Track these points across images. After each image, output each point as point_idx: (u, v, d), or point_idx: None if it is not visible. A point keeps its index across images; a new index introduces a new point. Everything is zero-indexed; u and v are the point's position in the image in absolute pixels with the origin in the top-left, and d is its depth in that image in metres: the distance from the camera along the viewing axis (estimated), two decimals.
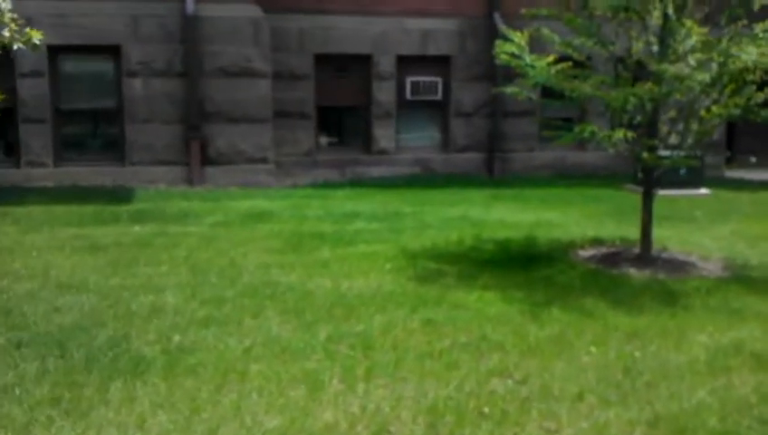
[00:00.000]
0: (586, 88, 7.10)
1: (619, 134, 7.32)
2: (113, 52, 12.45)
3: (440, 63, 14.74)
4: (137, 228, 8.99)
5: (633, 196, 12.84)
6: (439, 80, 14.69)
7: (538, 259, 7.75)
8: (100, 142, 12.84)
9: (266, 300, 6.12)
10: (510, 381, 4.62)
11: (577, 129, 7.49)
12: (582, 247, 8.54)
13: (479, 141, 15.06)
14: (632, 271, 7.52)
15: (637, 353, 5.12)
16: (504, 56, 7.82)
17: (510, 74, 15.18)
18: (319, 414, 4.13)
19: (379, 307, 5.97)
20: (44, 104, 12.25)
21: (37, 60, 11.88)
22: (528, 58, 7.78)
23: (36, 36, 6.41)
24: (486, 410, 4.23)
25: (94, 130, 12.83)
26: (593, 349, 5.19)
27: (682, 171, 12.78)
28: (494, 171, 15.00)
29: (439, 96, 14.74)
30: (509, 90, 8.05)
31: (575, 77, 7.39)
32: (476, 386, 4.52)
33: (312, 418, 4.08)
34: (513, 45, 7.80)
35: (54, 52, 12.15)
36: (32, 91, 12.18)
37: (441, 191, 12.56)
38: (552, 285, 6.83)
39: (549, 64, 7.57)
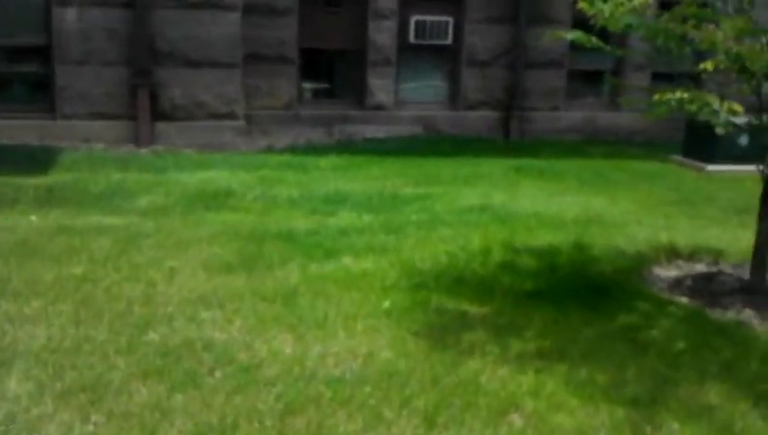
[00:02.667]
0: (718, 37, 4.36)
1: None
2: None
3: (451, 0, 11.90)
4: (33, 218, 6.32)
5: (688, 172, 10.20)
6: (450, 20, 11.83)
7: (605, 290, 5.15)
8: (25, 89, 10.04)
9: (176, 393, 3.50)
10: None
11: (677, 96, 4.74)
12: (659, 263, 5.95)
13: (494, 97, 12.30)
14: (750, 316, 4.94)
15: None
16: None
17: (538, 15, 12.51)
18: None
19: (371, 417, 3.39)
20: None
21: None
22: None
23: None
24: None
25: (17, 73, 10.00)
26: None
27: (743, 141, 10.14)
28: (510, 133, 12.27)
29: (449, 40, 11.91)
30: (570, 35, 5.34)
31: (685, 20, 4.67)
32: None
33: None
34: None
35: None
36: None
37: (450, 161, 9.87)
38: (642, 351, 4.22)
39: (644, 7, 4.92)
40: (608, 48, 5.27)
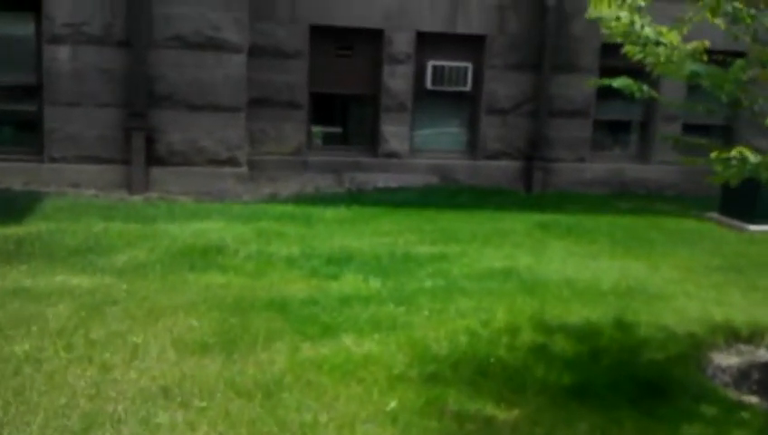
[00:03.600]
0: None
1: None
2: (32, 9, 8.87)
3: (471, 45, 11.08)
4: None
5: (728, 232, 9.21)
6: (469, 65, 11.02)
7: (661, 387, 4.17)
8: (12, 130, 9.27)
9: None
10: None
11: (755, 160, 3.79)
12: (716, 347, 4.97)
13: (515, 146, 11.42)
14: None
15: None
16: (613, 24, 4.24)
17: (564, 62, 11.71)
18: None
19: None
20: None
21: None
22: (649, 31, 4.22)
23: None
24: None
25: (3, 113, 9.22)
26: None
27: None
28: (532, 185, 11.36)
29: (468, 86, 11.08)
30: (618, 82, 4.45)
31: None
32: None
33: None
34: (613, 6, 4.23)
35: None
36: None
37: (468, 215, 8.94)
38: None
39: (701, 52, 4.05)
40: (664, 98, 4.39)
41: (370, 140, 11.06)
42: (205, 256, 6.46)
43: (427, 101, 11.15)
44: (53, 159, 8.94)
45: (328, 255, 6.65)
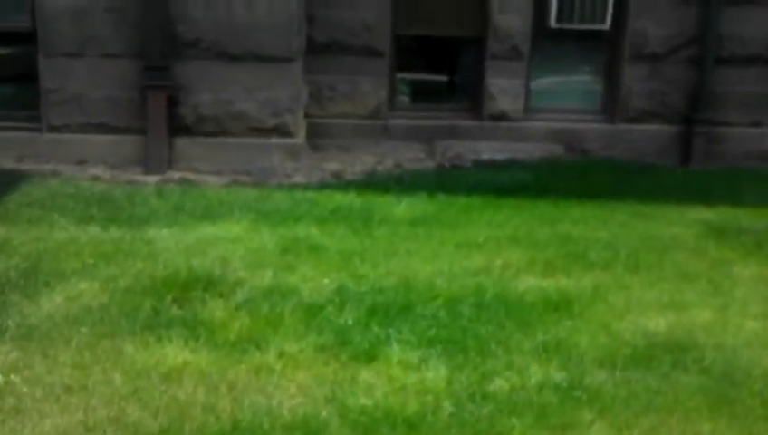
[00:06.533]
0: None
1: None
2: None
3: None
4: None
5: None
6: None
7: None
8: (2, 91, 7.15)
9: None
10: None
11: None
12: None
13: (669, 105, 8.27)
14: None
15: None
16: None
17: None
18: None
19: None
20: None
21: None
22: None
23: None
24: None
25: None
26: None
27: None
28: (691, 159, 8.24)
29: (607, 24, 8.01)
30: None
31: None
32: None
33: None
34: None
35: None
36: None
37: (605, 210, 6.04)
38: None
39: None
40: None
41: (472, 98, 8.25)
42: (184, 295, 4.04)
43: (549, 44, 8.13)
44: (54, 128, 6.77)
45: (375, 296, 4.07)
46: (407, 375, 3.23)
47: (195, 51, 6.65)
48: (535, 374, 3.26)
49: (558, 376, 3.24)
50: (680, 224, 5.76)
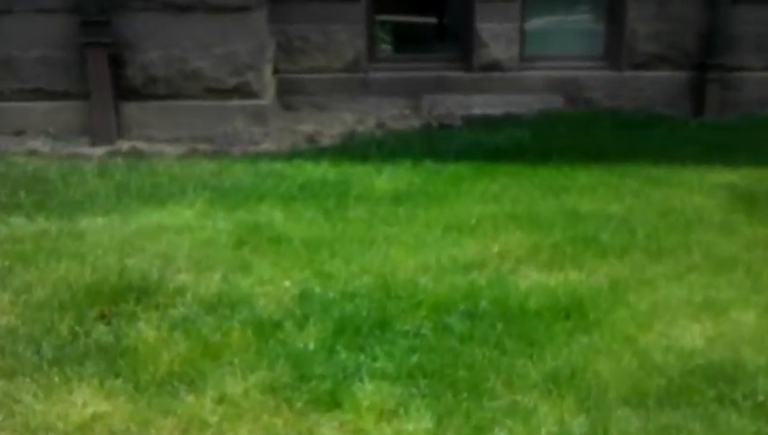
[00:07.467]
0: None
1: None
2: None
3: None
4: None
5: None
6: None
7: None
8: None
9: None
10: None
11: None
12: None
13: (679, 47, 7.38)
14: None
15: None
16: None
17: None
18: None
19: None
20: None
21: None
22: None
23: None
24: None
25: None
26: None
27: None
28: (705, 108, 7.41)
29: None
30: None
31: None
32: None
33: None
34: None
35: None
36: None
37: (613, 175, 5.26)
38: None
39: None
40: None
41: (461, 45, 7.35)
42: (112, 308, 3.27)
43: None
44: None
45: (344, 305, 3.29)
46: (380, 429, 2.48)
47: (138, 2, 5.71)
48: (546, 421, 2.51)
49: (575, 423, 2.49)
50: (701, 191, 4.97)
